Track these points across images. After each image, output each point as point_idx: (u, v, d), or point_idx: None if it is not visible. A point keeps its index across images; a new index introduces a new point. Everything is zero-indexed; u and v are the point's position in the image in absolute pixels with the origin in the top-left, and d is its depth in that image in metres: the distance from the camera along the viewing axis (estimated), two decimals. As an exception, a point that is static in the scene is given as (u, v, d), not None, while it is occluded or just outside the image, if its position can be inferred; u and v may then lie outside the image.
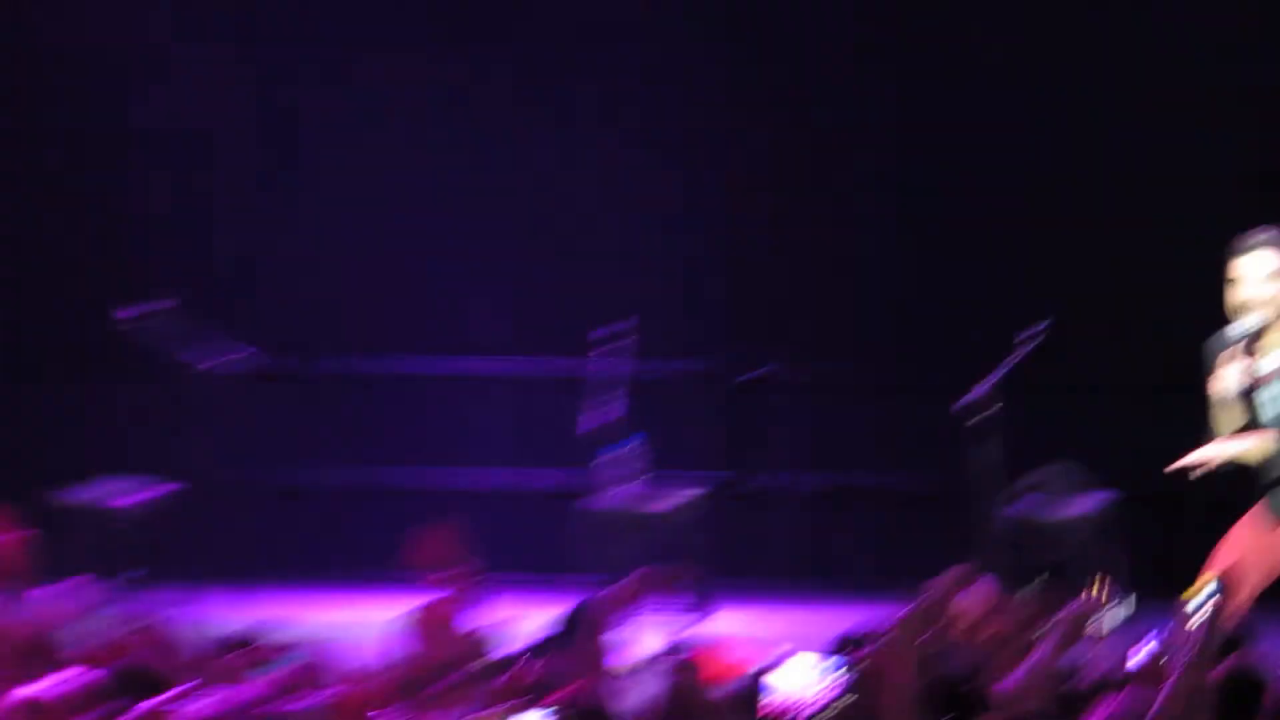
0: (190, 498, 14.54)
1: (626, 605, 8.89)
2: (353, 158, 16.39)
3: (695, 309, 15.80)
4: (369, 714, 7.71)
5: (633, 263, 15.71)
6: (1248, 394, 10.91)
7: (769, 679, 8.32)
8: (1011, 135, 15.85)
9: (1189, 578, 10.62)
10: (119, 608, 10.04)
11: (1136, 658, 9.01)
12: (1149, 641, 9.65)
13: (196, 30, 16.42)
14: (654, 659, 9.30)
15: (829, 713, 7.19)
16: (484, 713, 6.97)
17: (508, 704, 7.04)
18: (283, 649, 8.98)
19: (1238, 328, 10.89)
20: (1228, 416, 11.01)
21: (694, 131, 16.29)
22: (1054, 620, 9.01)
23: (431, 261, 16.23)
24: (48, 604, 8.25)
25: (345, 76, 16.56)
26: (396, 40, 16.46)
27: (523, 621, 9.60)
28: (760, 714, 7.96)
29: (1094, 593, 10.77)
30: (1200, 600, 9.92)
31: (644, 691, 8.39)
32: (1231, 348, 10.89)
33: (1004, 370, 13.24)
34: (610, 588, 9.11)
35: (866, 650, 8.91)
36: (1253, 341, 10.89)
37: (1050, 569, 12.15)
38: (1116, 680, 8.30)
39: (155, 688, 8.18)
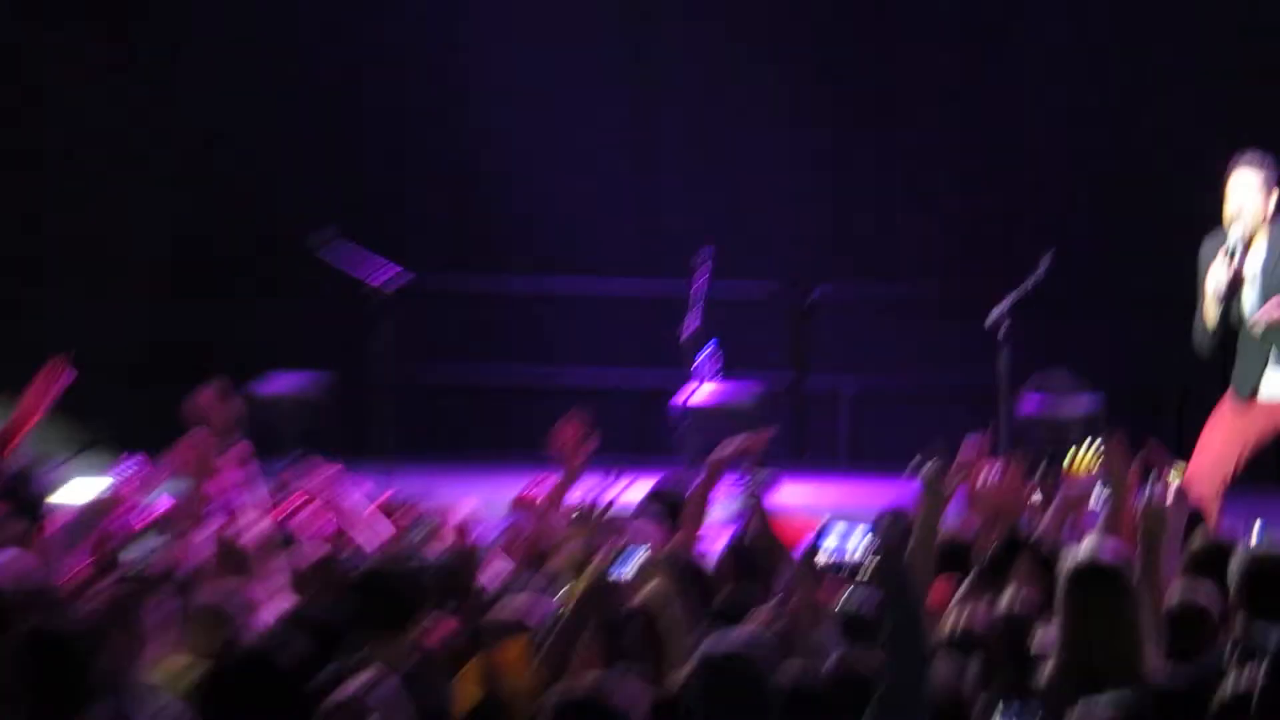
0: (362, 393, 14.50)
1: (710, 479, 8.86)
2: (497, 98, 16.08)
3: (767, 241, 15.69)
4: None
5: (718, 202, 15.60)
6: (1232, 290, 10.86)
7: (821, 541, 8.34)
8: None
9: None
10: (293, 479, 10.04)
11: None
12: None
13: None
14: (733, 518, 9.33)
15: (867, 566, 7.13)
16: (595, 559, 6.87)
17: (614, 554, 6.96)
18: (423, 511, 9.09)
19: (1228, 234, 10.85)
20: (1214, 309, 10.96)
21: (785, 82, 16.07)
22: (1059, 494, 9.04)
23: (563, 193, 16.03)
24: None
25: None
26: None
27: (628, 492, 9.60)
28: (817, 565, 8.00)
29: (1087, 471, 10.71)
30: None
31: (723, 544, 8.48)
32: (1221, 250, 10.85)
33: (1020, 291, 13.18)
34: (696, 465, 9.08)
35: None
36: (1240, 246, 10.87)
37: (1053, 454, 12.09)
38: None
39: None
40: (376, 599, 6.90)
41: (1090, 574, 6.57)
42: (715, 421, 13.33)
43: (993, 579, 7.56)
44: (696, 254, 13.62)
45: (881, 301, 15.66)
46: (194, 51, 16.21)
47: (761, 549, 7.92)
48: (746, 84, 15.91)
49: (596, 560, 6.74)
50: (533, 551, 8.19)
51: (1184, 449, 10.81)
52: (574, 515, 7.93)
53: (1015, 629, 6.89)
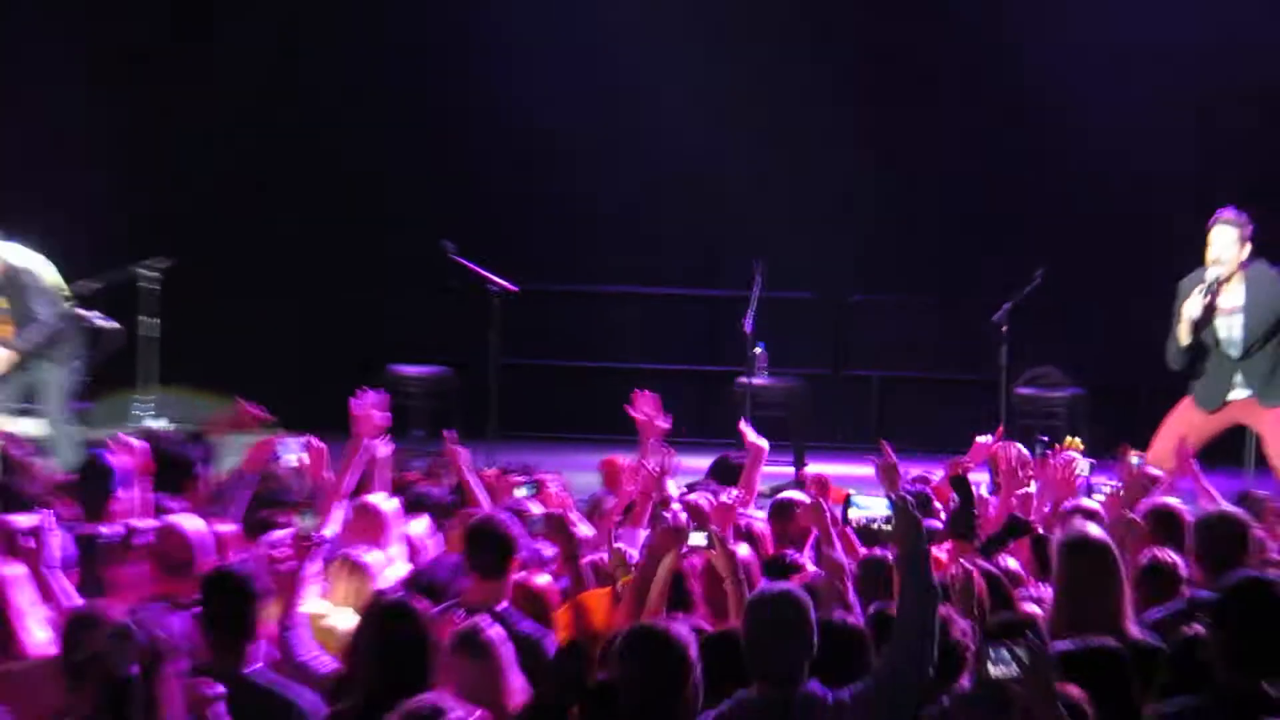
0: (474, 378, 14.39)
1: (758, 457, 8.84)
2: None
3: (807, 254, 15.48)
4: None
5: (770, 223, 15.41)
6: (1205, 319, 10.88)
7: (848, 510, 8.33)
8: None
9: (1139, 446, 10.56)
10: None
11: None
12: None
13: None
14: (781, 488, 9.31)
15: (889, 525, 7.03)
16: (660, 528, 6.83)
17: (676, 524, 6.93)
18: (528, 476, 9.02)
19: (1207, 273, 10.87)
20: (1187, 333, 10.98)
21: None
22: (1048, 469, 9.00)
23: (632, 213, 15.96)
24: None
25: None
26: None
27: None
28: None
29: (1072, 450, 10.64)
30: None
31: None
32: (1199, 286, 10.87)
33: (1017, 299, 13.14)
34: (746, 443, 9.06)
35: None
36: (1216, 284, 10.83)
37: (1046, 436, 12.04)
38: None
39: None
40: (481, 548, 6.94)
41: (1080, 545, 6.58)
42: (768, 403, 13.34)
43: (997, 547, 7.58)
44: (753, 264, 13.51)
45: (905, 307, 15.55)
46: (355, 103, 16.21)
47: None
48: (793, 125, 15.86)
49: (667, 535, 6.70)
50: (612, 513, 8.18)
51: (1148, 436, 10.85)
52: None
53: (1008, 588, 6.91)
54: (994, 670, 5.21)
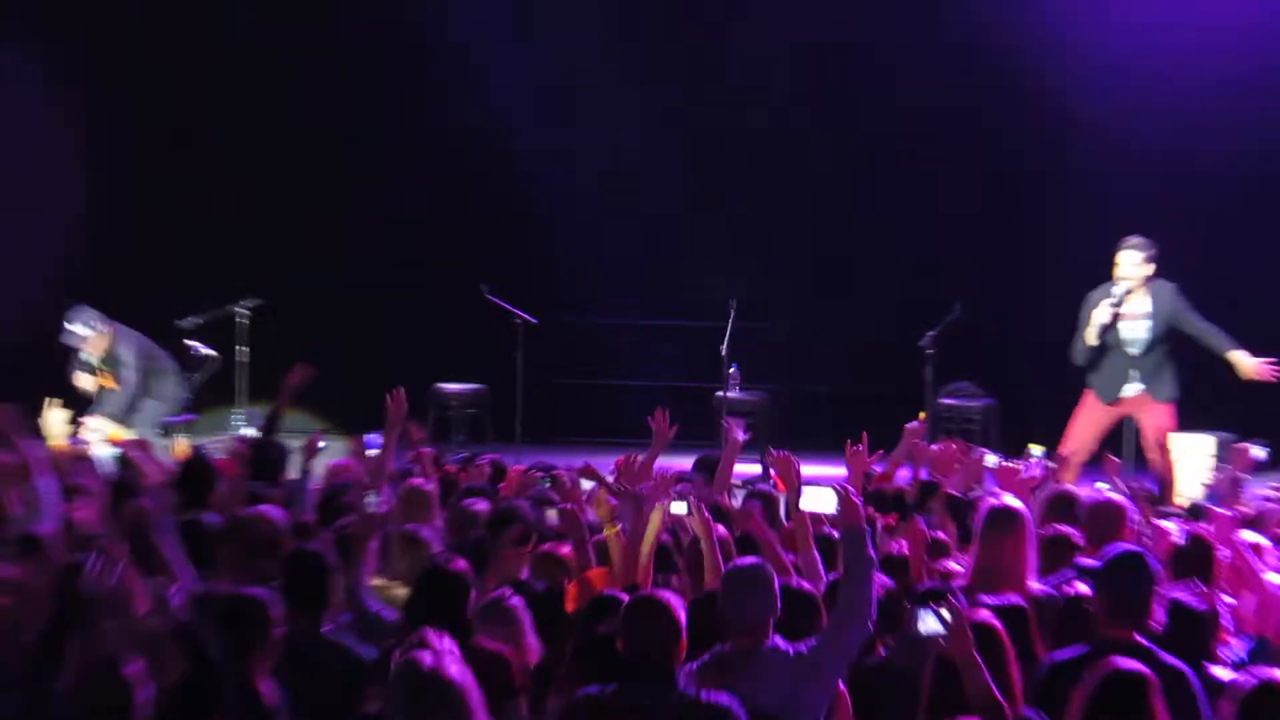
0: (504, 393, 14.32)
1: (734, 452, 8.82)
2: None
3: (771, 292, 15.52)
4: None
5: (741, 266, 15.39)
6: (1112, 324, 10.98)
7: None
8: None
9: (1040, 441, 10.58)
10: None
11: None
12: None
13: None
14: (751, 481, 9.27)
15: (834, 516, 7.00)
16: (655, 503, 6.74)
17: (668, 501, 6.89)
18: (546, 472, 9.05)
19: (1115, 287, 10.97)
20: (1094, 335, 11.05)
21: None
22: (969, 461, 9.02)
23: (630, 260, 15.89)
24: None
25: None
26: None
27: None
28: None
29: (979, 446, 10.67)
30: (1037, 455, 9.85)
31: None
32: (1107, 298, 10.96)
33: (941, 326, 13.16)
34: (724, 445, 9.00)
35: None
36: (1123, 296, 10.93)
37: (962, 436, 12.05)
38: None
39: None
40: (503, 529, 6.98)
41: (1001, 516, 6.58)
42: (740, 413, 13.31)
43: (915, 514, 7.57)
44: (727, 303, 13.45)
45: (850, 334, 15.46)
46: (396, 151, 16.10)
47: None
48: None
49: (656, 515, 6.67)
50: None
51: (1054, 435, 10.91)
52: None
53: (934, 553, 6.90)
54: (923, 627, 5.23)
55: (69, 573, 5.54)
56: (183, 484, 7.75)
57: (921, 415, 10.86)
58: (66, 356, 12.71)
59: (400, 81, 15.96)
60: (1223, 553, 6.67)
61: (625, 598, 5.53)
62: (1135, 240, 11.05)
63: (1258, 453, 10.18)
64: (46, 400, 9.78)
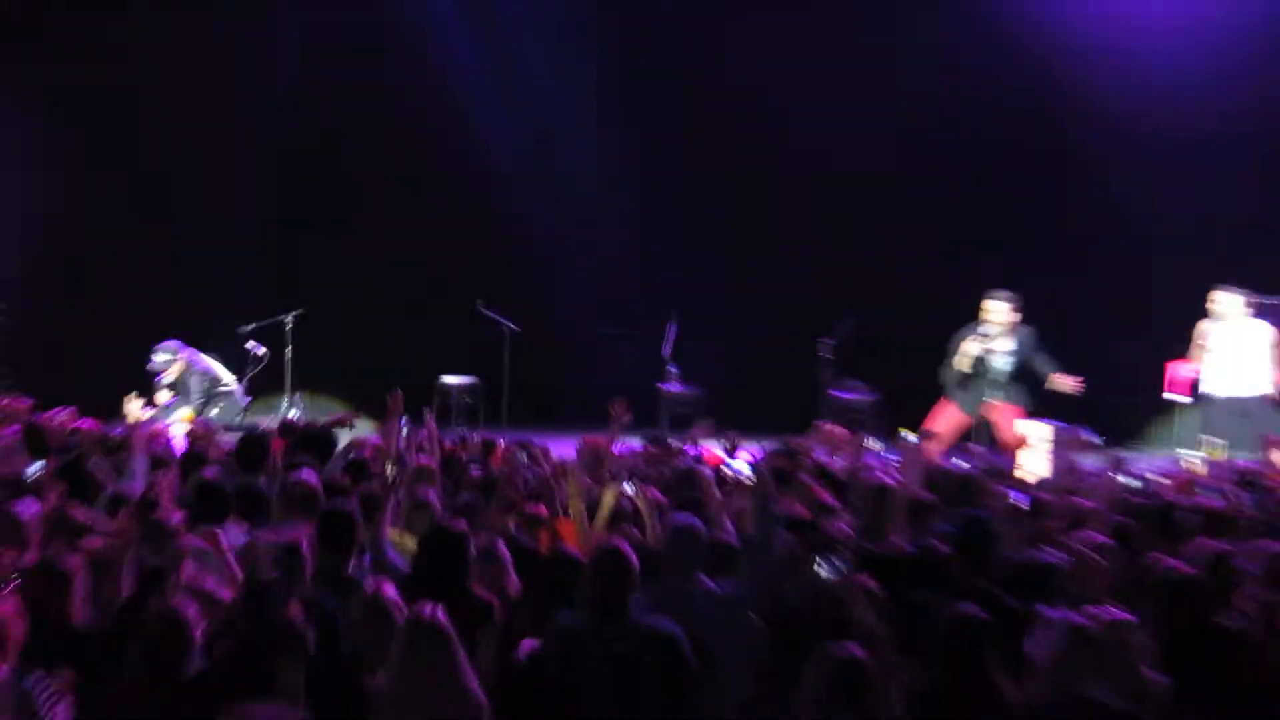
0: (494, 384, 14.16)
1: (691, 440, 8.75)
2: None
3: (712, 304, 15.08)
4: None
5: (680, 282, 14.97)
6: (982, 359, 11.11)
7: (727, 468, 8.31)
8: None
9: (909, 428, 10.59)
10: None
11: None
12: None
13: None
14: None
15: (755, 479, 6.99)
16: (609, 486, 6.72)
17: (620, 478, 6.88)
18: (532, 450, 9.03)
19: (984, 328, 11.10)
20: (967, 364, 11.15)
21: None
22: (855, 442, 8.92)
23: (593, 282, 15.63)
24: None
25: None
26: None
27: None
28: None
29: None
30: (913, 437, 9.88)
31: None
32: (974, 336, 11.07)
33: (838, 333, 13.16)
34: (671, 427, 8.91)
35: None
36: (989, 335, 11.10)
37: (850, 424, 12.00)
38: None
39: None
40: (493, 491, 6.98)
41: (878, 490, 6.63)
42: (682, 403, 13.32)
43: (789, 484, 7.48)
44: (669, 317, 13.43)
45: (765, 340, 14.98)
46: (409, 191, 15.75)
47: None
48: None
49: (611, 486, 6.69)
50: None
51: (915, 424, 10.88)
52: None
53: (824, 515, 6.92)
54: (822, 572, 5.28)
55: (152, 528, 5.56)
56: (240, 455, 7.74)
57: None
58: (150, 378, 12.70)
59: (406, 127, 15.70)
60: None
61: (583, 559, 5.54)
62: (1004, 294, 11.32)
63: (1090, 438, 10.29)
64: (132, 393, 9.72)
